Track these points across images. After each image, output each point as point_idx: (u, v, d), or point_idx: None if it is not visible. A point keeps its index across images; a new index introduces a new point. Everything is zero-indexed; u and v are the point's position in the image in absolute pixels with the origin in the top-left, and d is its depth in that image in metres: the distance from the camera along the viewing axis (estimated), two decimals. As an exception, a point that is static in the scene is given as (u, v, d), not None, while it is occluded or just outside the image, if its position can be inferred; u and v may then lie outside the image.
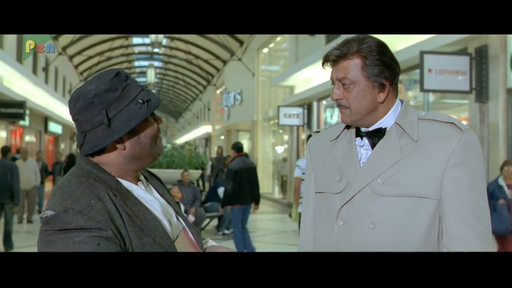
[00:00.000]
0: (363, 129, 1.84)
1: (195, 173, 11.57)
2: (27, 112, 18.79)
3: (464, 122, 6.83)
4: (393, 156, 1.74)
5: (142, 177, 1.70)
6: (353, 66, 1.75)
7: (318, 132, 2.06)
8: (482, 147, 7.99)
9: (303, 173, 6.75)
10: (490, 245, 1.70)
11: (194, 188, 10.55)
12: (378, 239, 1.71)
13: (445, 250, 1.71)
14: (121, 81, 1.57)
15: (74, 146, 36.50)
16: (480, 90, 8.06)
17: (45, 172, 15.47)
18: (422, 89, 8.26)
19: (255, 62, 23.94)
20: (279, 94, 21.17)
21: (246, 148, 28.09)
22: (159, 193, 1.74)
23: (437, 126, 1.76)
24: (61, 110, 28.30)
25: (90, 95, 1.54)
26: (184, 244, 1.65)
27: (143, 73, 38.71)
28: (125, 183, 1.60)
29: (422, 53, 8.08)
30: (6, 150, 9.76)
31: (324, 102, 15.89)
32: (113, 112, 1.54)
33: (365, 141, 1.82)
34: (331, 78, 1.82)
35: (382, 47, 1.78)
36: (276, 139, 23.06)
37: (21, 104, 17.72)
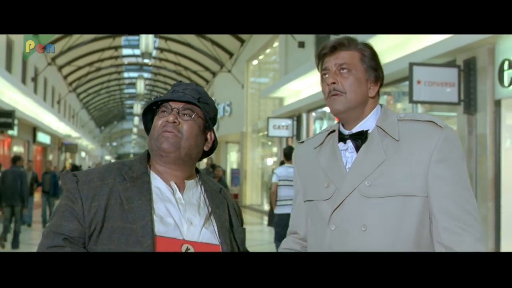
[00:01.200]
0: (345, 132, 1.87)
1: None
2: (16, 121, 18.68)
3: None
4: (377, 157, 1.77)
5: (190, 181, 1.77)
6: (353, 55, 1.84)
7: (302, 142, 2.09)
8: (470, 159, 7.94)
9: (280, 180, 8.26)
10: (482, 235, 1.72)
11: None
12: (371, 240, 1.73)
13: (437, 245, 1.73)
14: (173, 86, 1.81)
15: (63, 156, 36.28)
16: (468, 102, 8.13)
17: (35, 182, 15.18)
18: (411, 101, 8.32)
19: (245, 74, 23.99)
20: (268, 106, 21.20)
21: (235, 160, 28.08)
22: (203, 201, 1.76)
23: (417, 125, 1.80)
24: (50, 120, 28.13)
25: None
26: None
27: (133, 84, 38.66)
28: (154, 176, 1.71)
29: (411, 64, 8.15)
30: (16, 159, 10.98)
31: (313, 113, 15.95)
32: None
33: (349, 144, 1.85)
34: (327, 67, 1.86)
35: (374, 51, 1.89)
36: (265, 151, 23.06)
37: (9, 114, 17.60)
